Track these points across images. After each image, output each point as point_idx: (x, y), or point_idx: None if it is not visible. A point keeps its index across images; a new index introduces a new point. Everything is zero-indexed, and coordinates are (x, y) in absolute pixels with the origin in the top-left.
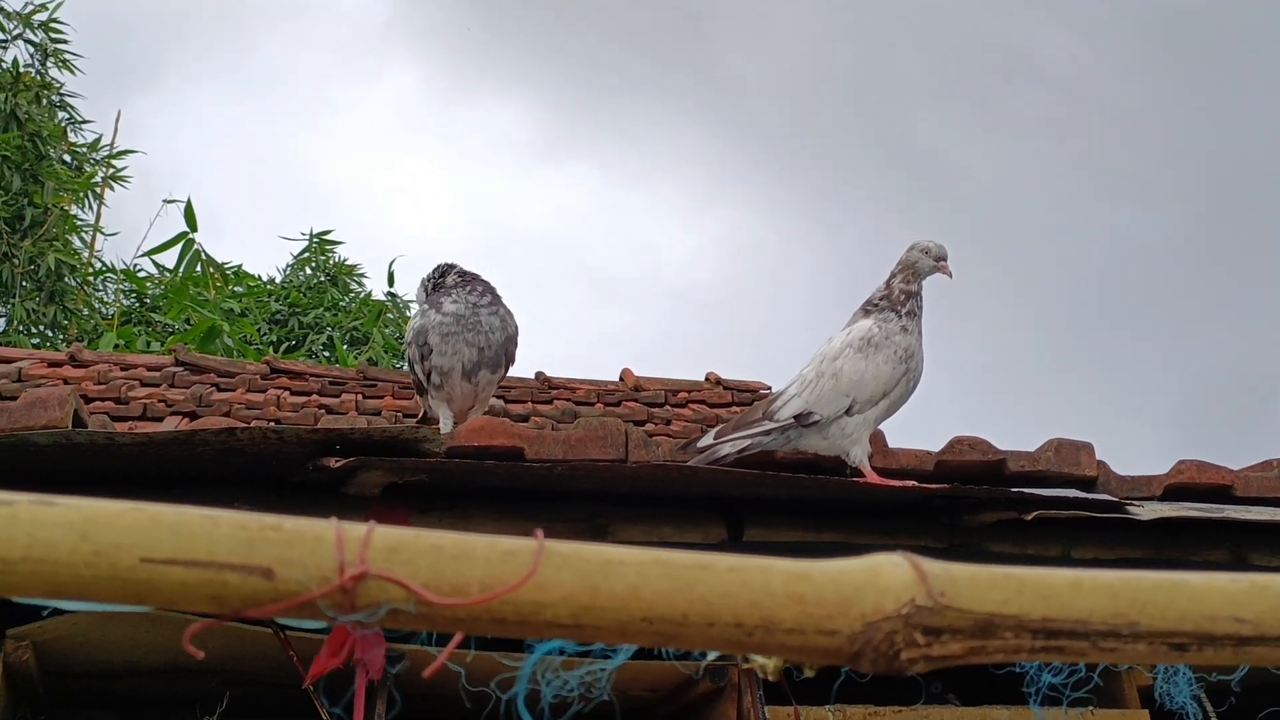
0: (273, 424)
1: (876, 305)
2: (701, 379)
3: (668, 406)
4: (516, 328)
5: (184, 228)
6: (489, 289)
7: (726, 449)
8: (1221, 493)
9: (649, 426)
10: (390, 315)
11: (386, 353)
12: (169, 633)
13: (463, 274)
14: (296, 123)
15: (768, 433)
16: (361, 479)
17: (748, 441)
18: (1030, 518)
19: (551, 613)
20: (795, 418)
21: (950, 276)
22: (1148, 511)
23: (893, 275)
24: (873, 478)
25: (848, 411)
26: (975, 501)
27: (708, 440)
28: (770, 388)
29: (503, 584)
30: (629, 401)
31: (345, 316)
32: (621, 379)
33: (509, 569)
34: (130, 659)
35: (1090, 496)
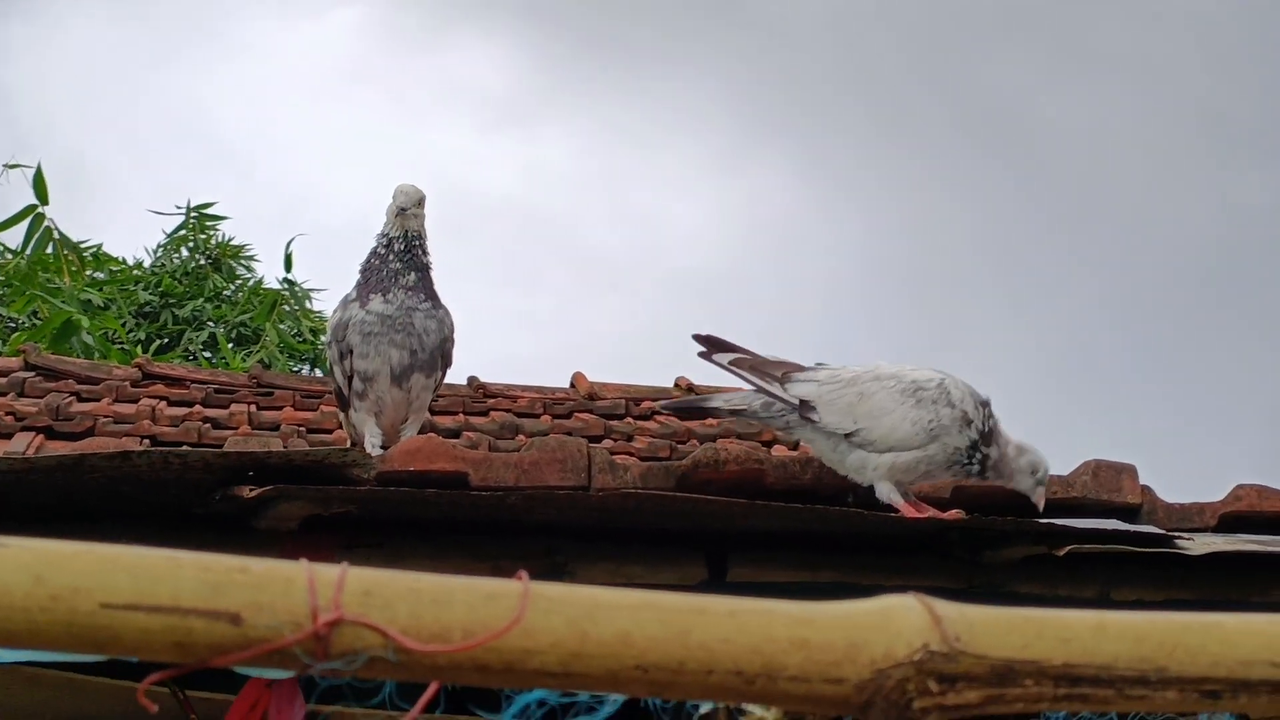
0: (170, 447)
1: (982, 412)
2: (670, 384)
3: (629, 419)
4: (453, 325)
5: (32, 199)
6: (428, 288)
7: (720, 403)
8: None
9: (607, 443)
10: (287, 307)
11: (282, 353)
12: (37, 694)
13: (412, 254)
14: (202, 63)
15: (771, 400)
16: (278, 511)
17: (745, 404)
18: (1063, 553)
19: (539, 660)
20: (801, 401)
21: (1040, 508)
22: (1199, 545)
23: (999, 460)
24: (909, 512)
25: (847, 436)
26: (999, 534)
27: (721, 363)
28: None
29: (487, 630)
30: (582, 413)
31: (231, 309)
32: (573, 385)
33: (493, 613)
34: None
35: (1133, 529)
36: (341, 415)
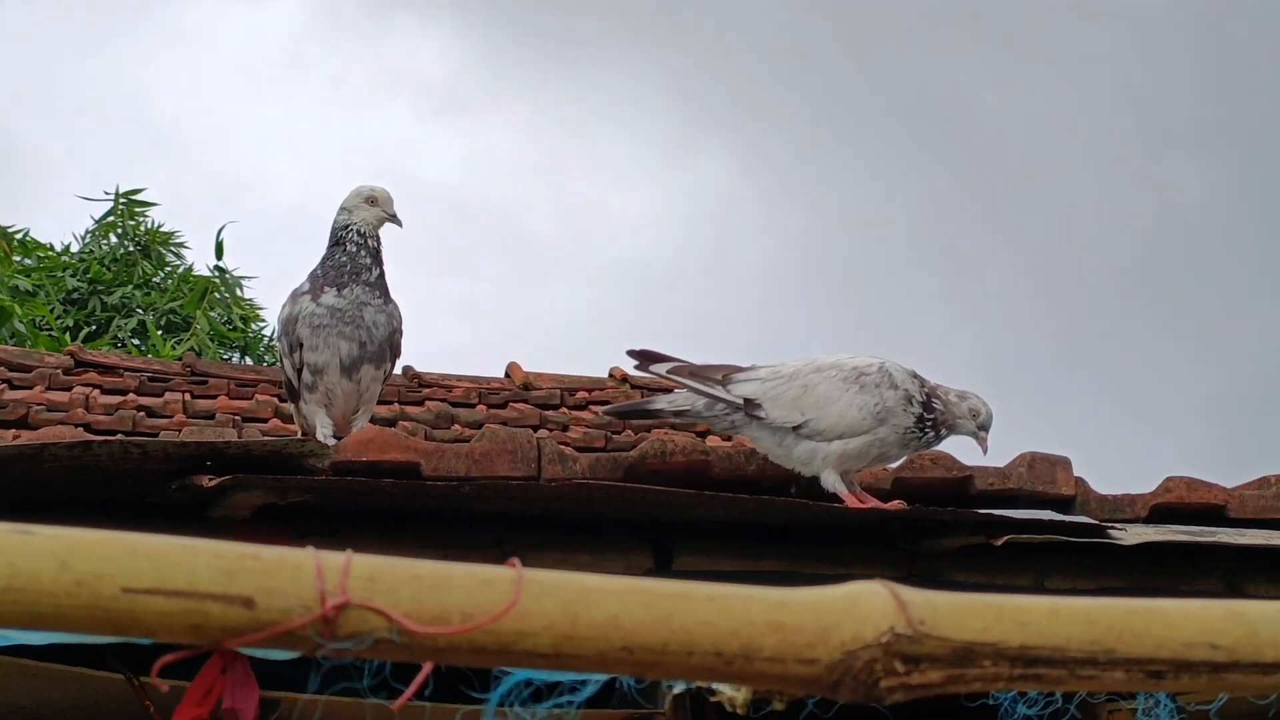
0: (131, 437)
1: (918, 384)
2: (605, 375)
3: (564, 409)
4: (401, 318)
5: None
6: (384, 284)
7: (664, 404)
8: (1214, 513)
9: (542, 433)
10: (218, 295)
11: (213, 341)
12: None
13: (379, 252)
14: (137, 46)
15: (714, 401)
16: (234, 500)
17: (689, 404)
18: (1000, 543)
19: (532, 642)
20: (745, 401)
21: (985, 452)
22: (1131, 535)
23: (943, 411)
24: (852, 502)
25: (796, 428)
26: (938, 524)
27: (658, 374)
28: None
29: (484, 613)
30: (517, 403)
31: (160, 296)
32: (508, 374)
33: (489, 598)
34: None
35: (1067, 519)
36: (292, 407)
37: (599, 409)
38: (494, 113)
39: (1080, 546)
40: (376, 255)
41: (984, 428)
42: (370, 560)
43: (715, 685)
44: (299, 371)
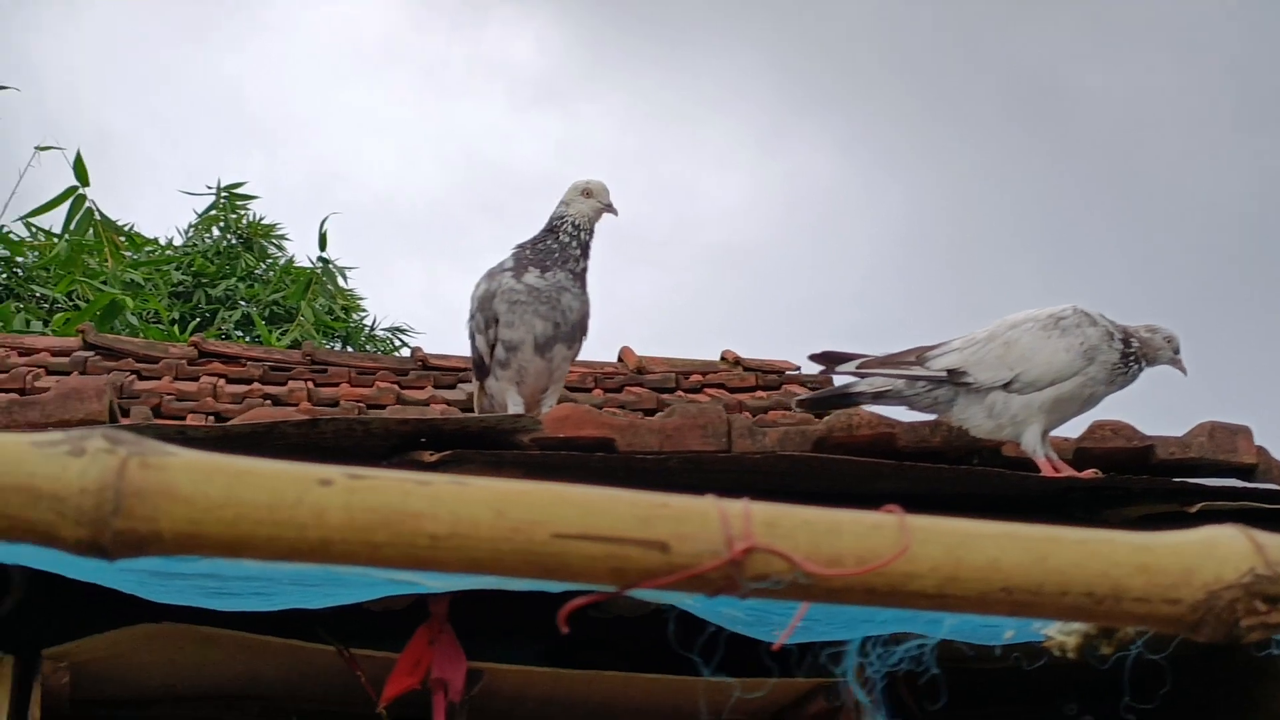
0: (358, 415)
1: (1109, 324)
2: (716, 358)
3: (679, 392)
4: (588, 301)
5: (61, 181)
6: (584, 276)
7: (864, 387)
8: None
9: (659, 417)
10: (320, 285)
11: (318, 332)
12: (210, 653)
13: (589, 244)
14: (231, 38)
15: (915, 379)
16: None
17: (889, 384)
18: (1195, 510)
19: (919, 584)
20: (949, 372)
21: (1184, 374)
22: None
23: (1141, 345)
24: (1047, 469)
25: (1006, 386)
26: (1123, 493)
27: (847, 372)
28: (800, 369)
29: (876, 557)
30: (632, 386)
31: (263, 288)
32: (620, 359)
33: (878, 542)
34: (168, 683)
35: (1259, 486)
36: (475, 386)
37: (713, 391)
38: (589, 101)
39: (1263, 514)
40: (586, 249)
41: (1178, 352)
42: (765, 507)
43: (1047, 631)
44: (492, 348)
